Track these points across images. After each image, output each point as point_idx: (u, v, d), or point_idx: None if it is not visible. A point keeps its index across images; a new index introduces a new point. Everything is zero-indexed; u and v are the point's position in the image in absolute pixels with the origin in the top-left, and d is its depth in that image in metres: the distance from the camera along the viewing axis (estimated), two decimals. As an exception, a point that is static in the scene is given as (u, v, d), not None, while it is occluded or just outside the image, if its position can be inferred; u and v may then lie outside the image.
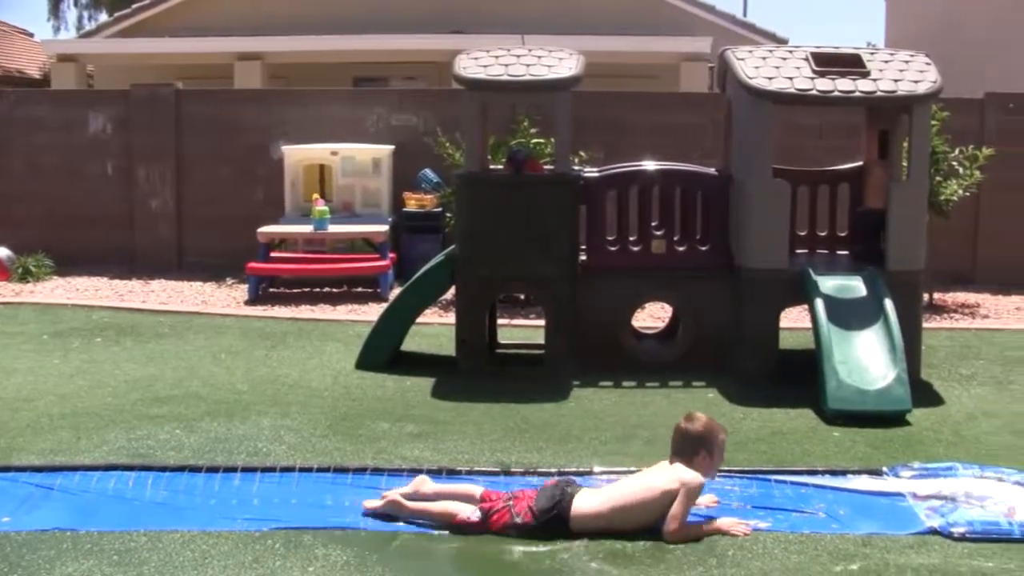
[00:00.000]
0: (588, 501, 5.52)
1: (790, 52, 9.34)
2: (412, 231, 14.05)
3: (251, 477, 6.18)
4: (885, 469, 6.47)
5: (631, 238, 9.36)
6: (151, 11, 21.65)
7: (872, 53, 9.38)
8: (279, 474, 6.22)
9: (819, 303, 8.40)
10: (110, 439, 7.00)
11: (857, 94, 8.83)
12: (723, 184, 9.41)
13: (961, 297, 13.47)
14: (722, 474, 6.04)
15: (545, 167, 9.83)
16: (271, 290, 13.49)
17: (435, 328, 10.60)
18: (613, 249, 9.30)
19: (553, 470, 6.26)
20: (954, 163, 12.62)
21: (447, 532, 5.45)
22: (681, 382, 8.76)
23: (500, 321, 10.25)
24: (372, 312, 11.33)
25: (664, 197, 9.48)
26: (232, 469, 6.28)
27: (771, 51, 9.51)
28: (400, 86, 20.23)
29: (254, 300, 12.78)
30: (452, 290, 9.63)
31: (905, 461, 6.60)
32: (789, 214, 9.18)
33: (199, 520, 5.55)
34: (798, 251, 9.74)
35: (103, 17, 32.88)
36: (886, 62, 9.09)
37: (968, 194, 12.64)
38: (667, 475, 5.59)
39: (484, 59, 9.21)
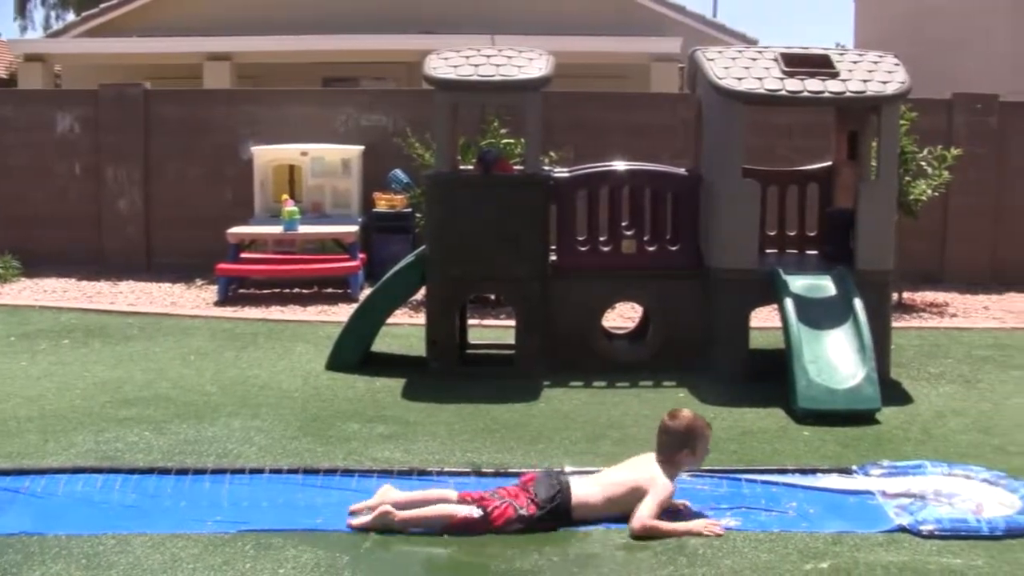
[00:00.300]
0: (585, 489, 5.57)
1: (760, 53, 9.37)
2: (382, 232, 14.02)
3: (221, 479, 6.13)
4: (855, 468, 6.49)
5: (601, 238, 9.36)
6: (119, 11, 21.51)
7: (841, 54, 9.42)
8: (249, 476, 6.19)
9: (789, 303, 8.42)
10: (78, 442, 6.95)
11: (826, 95, 8.87)
12: (693, 184, 9.42)
13: (930, 296, 13.54)
14: (693, 473, 6.06)
15: (515, 167, 9.83)
16: (241, 291, 13.44)
17: (405, 329, 10.59)
18: (583, 249, 9.30)
19: (524, 470, 6.25)
20: (923, 163, 12.70)
21: (445, 536, 5.41)
22: (652, 382, 8.77)
23: (470, 321, 10.24)
24: (342, 313, 11.31)
25: (634, 197, 9.50)
26: (202, 471, 6.23)
27: (741, 52, 9.54)
28: (370, 86, 20.17)
29: (224, 301, 12.73)
30: (422, 291, 9.62)
31: (875, 459, 6.63)
32: (759, 214, 9.20)
33: (168, 523, 5.50)
34: (768, 251, 9.76)
35: (70, 17, 32.71)
36: (855, 63, 9.13)
37: (937, 194, 12.73)
38: (645, 471, 5.65)
39: (454, 59, 9.20)
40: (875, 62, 9.15)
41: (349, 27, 19.69)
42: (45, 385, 8.55)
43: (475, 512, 5.46)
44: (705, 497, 5.98)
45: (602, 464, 6.17)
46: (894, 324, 9.58)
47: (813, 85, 8.87)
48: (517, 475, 6.07)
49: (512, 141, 12.17)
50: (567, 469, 6.20)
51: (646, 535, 5.38)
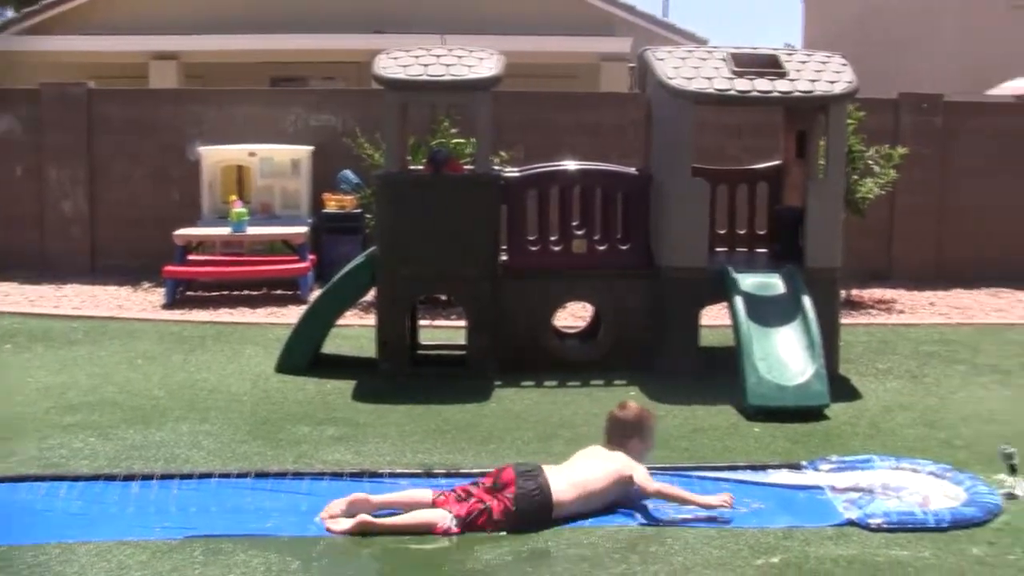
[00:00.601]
0: (562, 491, 5.57)
1: (709, 52, 9.41)
2: (332, 232, 13.94)
3: (168, 484, 6.07)
4: (804, 463, 6.53)
5: (552, 238, 9.36)
6: (61, 7, 21.17)
7: (790, 54, 9.48)
8: (197, 480, 6.12)
9: (739, 301, 8.46)
10: (20, 449, 6.82)
11: (775, 94, 8.91)
12: (643, 184, 9.44)
13: (877, 293, 13.64)
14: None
15: (465, 167, 9.81)
16: (188, 293, 13.33)
17: (356, 330, 10.53)
18: (534, 249, 9.30)
19: (476, 471, 6.24)
20: (870, 162, 12.78)
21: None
22: (603, 381, 8.78)
23: (421, 322, 10.20)
24: (292, 315, 11.23)
25: (585, 197, 9.51)
26: (149, 477, 6.16)
27: (690, 51, 9.58)
28: (319, 86, 20.10)
29: (171, 304, 12.62)
30: (372, 292, 9.58)
31: (824, 455, 6.68)
32: (708, 213, 9.24)
33: (115, 530, 5.42)
34: (717, 249, 9.80)
35: (9, 13, 32.25)
36: (803, 63, 9.18)
37: (884, 192, 12.82)
38: (617, 462, 5.77)
39: (404, 59, 9.17)
40: (823, 62, 9.21)
41: (298, 26, 19.58)
42: (-13, 391, 8.44)
43: (453, 523, 5.41)
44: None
45: (554, 464, 6.15)
46: (842, 321, 9.64)
47: (762, 85, 8.91)
48: (470, 475, 6.07)
49: (462, 141, 12.14)
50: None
51: (662, 495, 5.67)
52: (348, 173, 14.10)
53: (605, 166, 9.89)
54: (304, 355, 9.22)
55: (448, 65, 9.05)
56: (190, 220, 13.87)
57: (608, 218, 9.43)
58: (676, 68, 9.03)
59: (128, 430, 7.29)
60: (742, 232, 10.14)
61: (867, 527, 5.50)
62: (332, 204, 14.02)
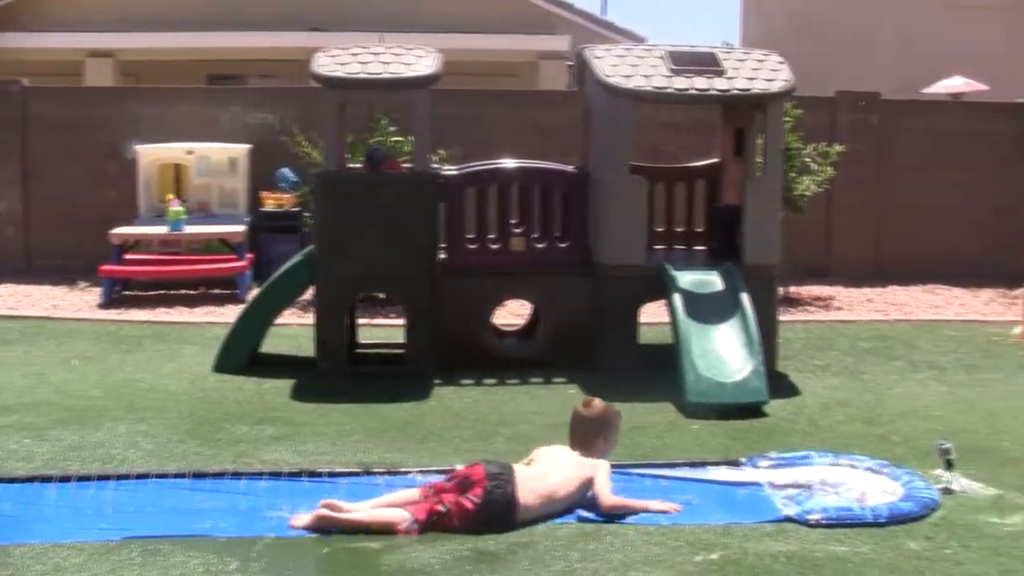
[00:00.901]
0: (528, 498, 5.54)
1: (647, 51, 9.44)
2: (270, 231, 13.88)
3: (105, 485, 6.00)
4: (743, 460, 6.56)
5: (490, 236, 9.36)
6: (-6, 5, 21.04)
7: (727, 52, 9.53)
8: (135, 481, 6.05)
9: (677, 298, 8.49)
10: (-46, 451, 6.75)
11: (712, 92, 8.96)
12: (582, 182, 9.46)
13: (815, 290, 13.75)
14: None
15: (404, 165, 9.80)
16: (125, 293, 13.22)
17: (294, 329, 10.49)
18: (472, 247, 9.30)
19: (415, 470, 6.23)
20: (807, 160, 12.89)
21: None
22: (542, 379, 8.79)
23: (360, 321, 10.17)
24: (230, 314, 11.15)
25: (523, 195, 9.52)
26: (86, 478, 6.08)
27: (628, 50, 9.61)
28: (257, 84, 20.01)
29: (108, 303, 12.52)
30: (311, 290, 9.54)
31: (763, 451, 6.71)
32: (647, 211, 9.28)
33: (51, 532, 5.35)
34: (656, 247, 9.84)
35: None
36: (741, 61, 9.24)
37: (821, 190, 12.93)
38: (581, 466, 5.75)
39: (342, 57, 9.13)
40: (760, 60, 9.26)
41: (236, 24, 19.48)
42: (-80, 392, 8.32)
43: (413, 526, 5.38)
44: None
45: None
46: (781, 318, 9.71)
47: (699, 83, 8.95)
48: (407, 474, 6.07)
49: (401, 139, 12.11)
50: (458, 468, 6.19)
51: (619, 508, 5.59)
52: (286, 171, 14.04)
53: (543, 164, 9.91)
54: (242, 354, 9.16)
55: (386, 63, 9.03)
56: (127, 219, 13.76)
57: (546, 216, 9.44)
58: (614, 66, 9.05)
59: (64, 431, 7.20)
60: (680, 230, 10.19)
61: (806, 523, 5.53)
62: (270, 203, 13.96)
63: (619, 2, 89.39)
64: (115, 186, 14.65)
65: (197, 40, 19.28)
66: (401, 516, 5.42)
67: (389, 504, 5.58)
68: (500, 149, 11.30)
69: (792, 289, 13.27)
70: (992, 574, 4.96)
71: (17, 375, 8.87)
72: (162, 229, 13.23)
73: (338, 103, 9.22)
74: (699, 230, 10.14)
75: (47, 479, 6.04)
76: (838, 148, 13.15)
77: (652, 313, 9.86)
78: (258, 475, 6.16)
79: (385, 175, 9.23)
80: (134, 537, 5.28)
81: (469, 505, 5.44)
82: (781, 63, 9.23)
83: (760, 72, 9.08)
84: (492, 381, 8.72)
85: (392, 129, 12.43)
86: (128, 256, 13.17)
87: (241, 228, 13.42)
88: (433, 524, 5.40)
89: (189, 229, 13.20)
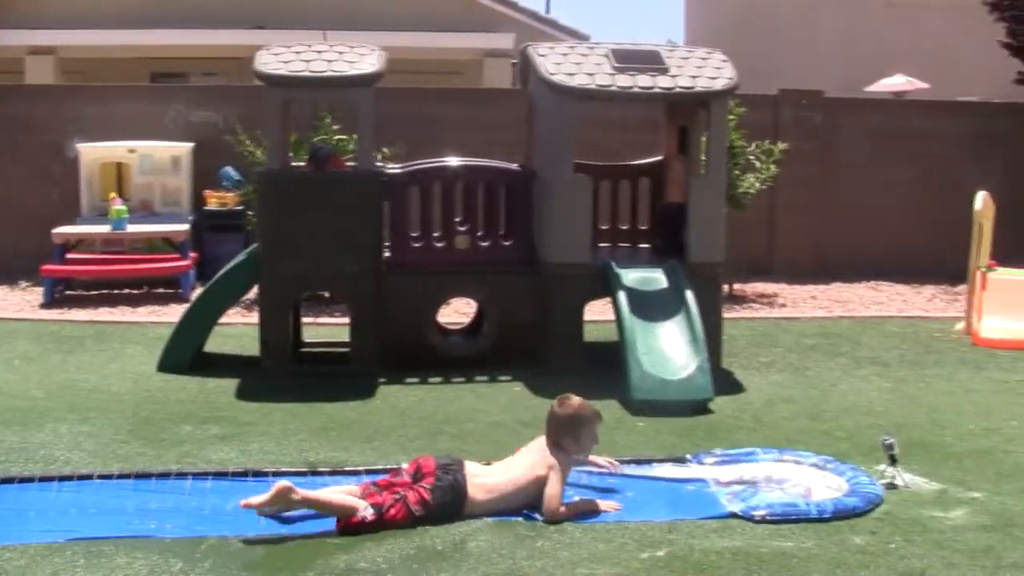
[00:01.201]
0: (475, 490, 5.60)
1: (591, 49, 9.46)
2: (214, 230, 13.80)
3: (48, 487, 5.96)
4: (688, 456, 6.60)
5: (435, 234, 9.34)
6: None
7: (671, 50, 9.56)
8: (77, 482, 6.02)
9: (622, 296, 8.52)
10: None
11: (656, 90, 8.98)
12: (526, 179, 9.46)
13: (759, 287, 13.84)
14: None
15: (348, 164, 9.75)
16: (68, 292, 13.10)
17: (238, 328, 10.43)
18: (417, 245, 9.27)
19: (361, 468, 6.22)
20: (751, 157, 12.96)
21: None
22: (487, 377, 8.79)
23: (304, 320, 10.13)
24: (173, 313, 11.08)
25: (467, 193, 9.51)
26: (28, 479, 6.04)
27: (572, 48, 9.62)
28: (200, 82, 19.86)
29: (50, 303, 12.40)
30: (255, 289, 9.49)
31: (708, 448, 6.76)
32: (591, 209, 9.28)
33: (-8, 534, 5.31)
34: (600, 245, 9.85)
35: None
36: (684, 59, 9.27)
37: (765, 187, 13.00)
38: (535, 466, 5.74)
39: (285, 55, 9.09)
40: (704, 58, 9.30)
41: (178, 22, 19.35)
42: None
43: (369, 513, 5.40)
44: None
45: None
46: (725, 315, 9.76)
47: (643, 81, 8.97)
48: (354, 474, 6.06)
49: (344, 137, 12.08)
50: (404, 467, 6.18)
51: (561, 518, 5.54)
52: (229, 170, 13.95)
53: (488, 162, 9.89)
54: (186, 354, 9.10)
55: (330, 61, 8.99)
56: (69, 218, 13.62)
57: (491, 214, 9.44)
58: (558, 64, 9.06)
59: (6, 432, 7.13)
60: (625, 228, 10.21)
61: (751, 519, 5.57)
62: (213, 201, 13.88)
63: (563, 0, 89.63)
64: (57, 185, 14.47)
65: (140, 38, 19.14)
66: (362, 504, 5.45)
67: (330, 499, 5.58)
68: (445, 147, 11.28)
69: (736, 286, 13.35)
70: (935, 567, 5.02)
71: (-43, 376, 8.78)
72: (105, 228, 13.13)
73: (281, 101, 9.18)
74: (644, 228, 10.16)
75: (-12, 481, 5.99)
76: (782, 146, 13.24)
77: (597, 311, 9.88)
78: (203, 475, 6.13)
79: (329, 174, 9.19)
80: (77, 538, 5.24)
81: (424, 493, 5.50)
82: (724, 61, 9.28)
83: (704, 70, 9.12)
84: (437, 379, 8.72)
85: (336, 127, 12.39)
86: (70, 256, 13.06)
87: (184, 227, 13.33)
88: (388, 511, 5.42)
89: (132, 228, 13.10)
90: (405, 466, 5.82)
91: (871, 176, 15.24)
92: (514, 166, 9.84)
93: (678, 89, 8.99)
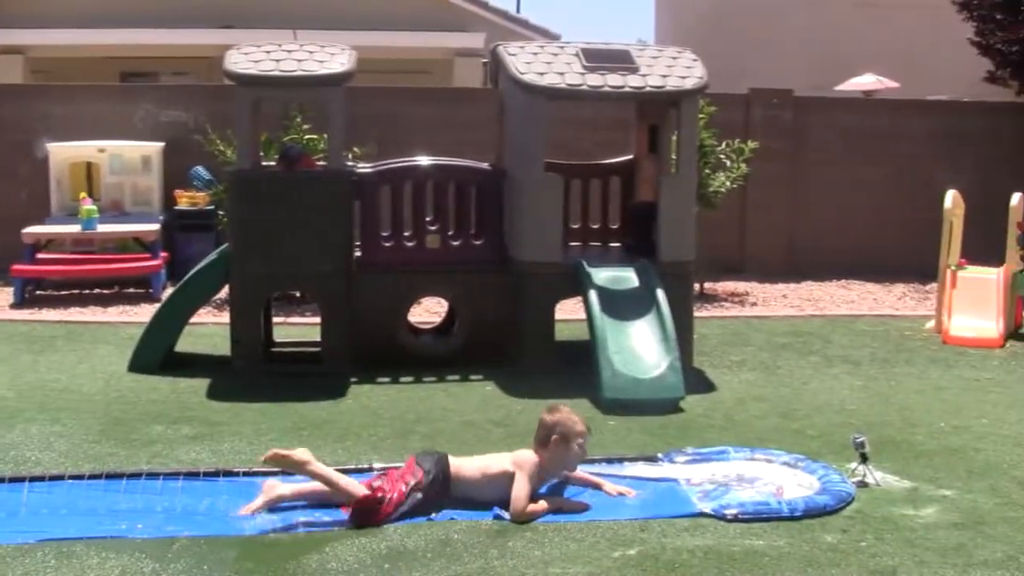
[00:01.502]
0: (459, 468, 5.79)
1: (561, 48, 9.46)
2: (184, 230, 13.75)
3: (19, 487, 5.92)
4: (660, 455, 6.62)
5: (406, 233, 9.33)
6: None
7: (641, 50, 9.57)
8: (48, 483, 5.98)
9: (593, 295, 8.53)
10: None
11: (627, 89, 9.00)
12: (497, 178, 9.47)
13: (731, 286, 13.88)
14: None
15: (318, 163, 9.74)
16: (38, 292, 13.03)
17: (209, 328, 10.40)
18: (388, 245, 9.26)
19: (333, 468, 6.20)
20: (721, 156, 13.00)
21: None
22: (459, 376, 8.79)
23: (276, 319, 10.11)
24: (144, 313, 11.06)
25: (438, 192, 9.50)
26: (-1, 480, 6.02)
27: (542, 47, 9.62)
28: (169, 82, 19.79)
29: (20, 303, 12.33)
30: (226, 289, 9.46)
31: (679, 447, 6.77)
32: (562, 208, 9.29)
33: (-38, 535, 5.27)
34: (571, 244, 9.86)
35: None
36: (655, 58, 9.28)
37: (735, 186, 13.04)
38: (515, 456, 5.85)
39: (255, 54, 9.06)
40: (674, 57, 9.32)
41: (148, 21, 19.27)
42: None
43: (381, 485, 5.57)
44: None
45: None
46: (696, 314, 9.80)
47: (614, 80, 8.99)
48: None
49: (315, 137, 12.06)
50: (376, 466, 6.20)
51: (527, 518, 5.56)
52: (200, 169, 13.91)
53: (458, 161, 9.89)
54: (157, 354, 9.07)
55: (300, 60, 8.97)
56: (39, 218, 13.54)
57: (462, 213, 9.44)
58: (528, 63, 9.06)
59: (-25, 433, 7.09)
60: (595, 227, 10.23)
61: (723, 518, 5.58)
62: (184, 201, 13.83)
63: (533, 0, 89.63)
64: (26, 185, 14.40)
65: (109, 37, 19.04)
66: (362, 490, 5.55)
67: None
68: (416, 146, 11.26)
69: (708, 285, 13.38)
70: (907, 565, 5.04)
71: (-75, 377, 8.72)
72: (75, 228, 13.06)
73: (252, 101, 9.14)
74: (615, 227, 10.18)
75: (-42, 483, 5.95)
76: (752, 145, 13.28)
77: (568, 310, 9.89)
78: (174, 475, 6.11)
79: (300, 173, 9.16)
80: (48, 539, 5.22)
81: (420, 475, 5.65)
82: (695, 60, 9.30)
83: (674, 69, 9.14)
84: (409, 379, 8.71)
85: (306, 127, 12.38)
86: (41, 255, 12.99)
87: (155, 227, 13.28)
88: (389, 500, 5.53)
89: (102, 228, 13.04)
90: (378, 463, 5.87)
91: (841, 175, 15.31)
92: (485, 165, 9.84)
93: (648, 88, 9.00)
